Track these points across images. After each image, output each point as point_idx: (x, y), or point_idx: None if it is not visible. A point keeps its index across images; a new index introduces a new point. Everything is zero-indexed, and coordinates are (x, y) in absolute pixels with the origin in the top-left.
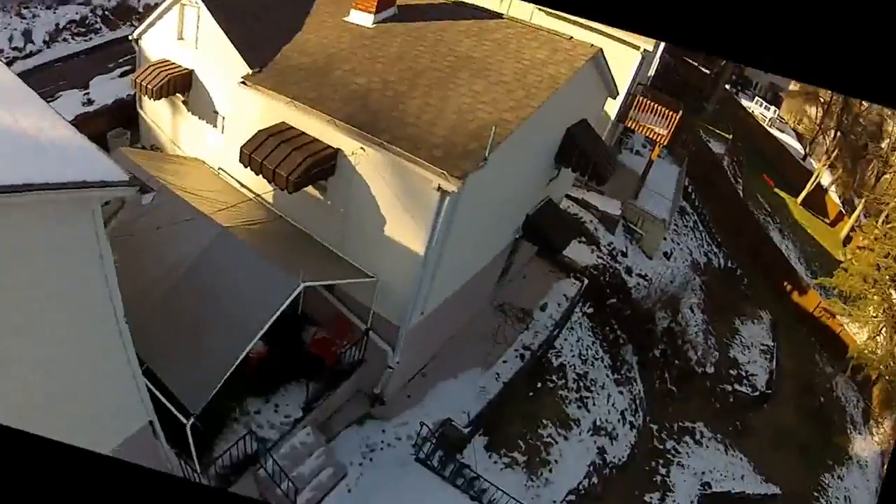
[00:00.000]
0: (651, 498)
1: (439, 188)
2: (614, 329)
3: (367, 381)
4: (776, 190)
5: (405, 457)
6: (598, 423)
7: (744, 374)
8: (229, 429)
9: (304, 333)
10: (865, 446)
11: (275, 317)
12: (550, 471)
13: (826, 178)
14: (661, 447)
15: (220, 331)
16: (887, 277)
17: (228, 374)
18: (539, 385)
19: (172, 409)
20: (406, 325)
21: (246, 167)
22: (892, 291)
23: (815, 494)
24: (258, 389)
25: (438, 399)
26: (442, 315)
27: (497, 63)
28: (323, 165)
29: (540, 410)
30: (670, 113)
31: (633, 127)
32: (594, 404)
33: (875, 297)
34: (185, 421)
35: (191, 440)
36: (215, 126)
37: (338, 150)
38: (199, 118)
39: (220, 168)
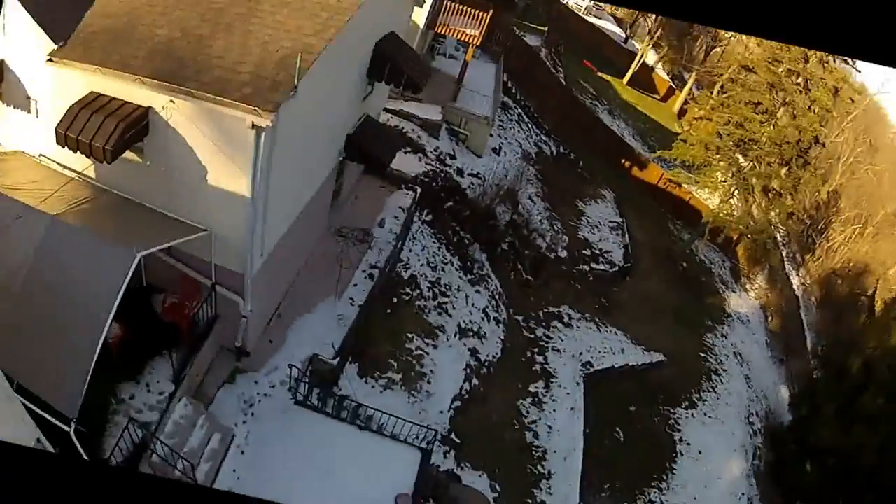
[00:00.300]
0: (536, 388)
1: (253, 125)
2: (457, 231)
3: (226, 337)
4: (600, 74)
5: (285, 403)
6: (462, 325)
7: (598, 252)
8: (111, 422)
9: (155, 303)
10: (742, 303)
11: (120, 294)
12: (429, 382)
13: (651, 58)
14: (532, 336)
15: (73, 324)
16: (731, 143)
17: (93, 365)
18: (395, 301)
19: (52, 419)
20: (250, 271)
21: (63, 147)
22: (738, 156)
23: (702, 355)
24: (126, 373)
25: (300, 337)
26: (283, 252)
27: None
28: (135, 127)
29: (402, 325)
30: (480, 13)
31: (444, 32)
32: (454, 308)
33: (721, 164)
34: (67, 428)
35: (79, 446)
36: (30, 112)
37: (148, 108)
38: (14, 107)
39: (41, 155)
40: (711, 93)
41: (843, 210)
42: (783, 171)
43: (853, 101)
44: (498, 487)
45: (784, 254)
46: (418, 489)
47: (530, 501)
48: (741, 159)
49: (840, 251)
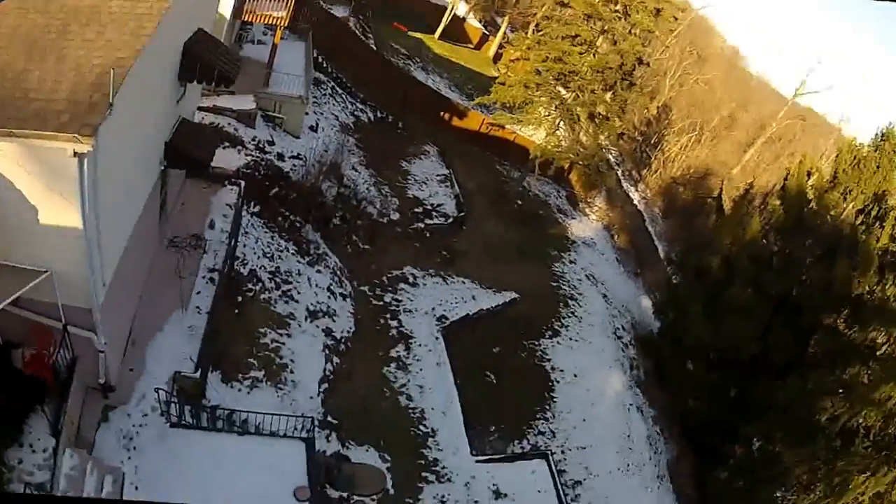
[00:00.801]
0: (397, 352)
1: (75, 153)
2: (287, 216)
3: (89, 376)
4: (411, 33)
5: (161, 428)
6: (311, 308)
7: (430, 207)
8: (9, 491)
9: (14, 359)
10: (585, 227)
11: None
12: (292, 372)
13: (462, 9)
14: (381, 303)
15: None
16: (551, 78)
17: None
18: (240, 299)
19: None
20: (96, 304)
21: None
22: (560, 89)
23: (554, 284)
24: (6, 439)
25: (158, 357)
26: (124, 276)
27: (104, 2)
28: None
29: (253, 322)
30: None
31: (250, 19)
32: (299, 293)
33: (543, 98)
34: None
35: None
36: None
37: None
38: None
39: None
40: (526, 33)
41: (675, 122)
42: (608, 95)
43: (676, 18)
44: (388, 457)
45: (620, 173)
46: (312, 479)
47: (422, 462)
48: (563, 92)
49: (678, 160)
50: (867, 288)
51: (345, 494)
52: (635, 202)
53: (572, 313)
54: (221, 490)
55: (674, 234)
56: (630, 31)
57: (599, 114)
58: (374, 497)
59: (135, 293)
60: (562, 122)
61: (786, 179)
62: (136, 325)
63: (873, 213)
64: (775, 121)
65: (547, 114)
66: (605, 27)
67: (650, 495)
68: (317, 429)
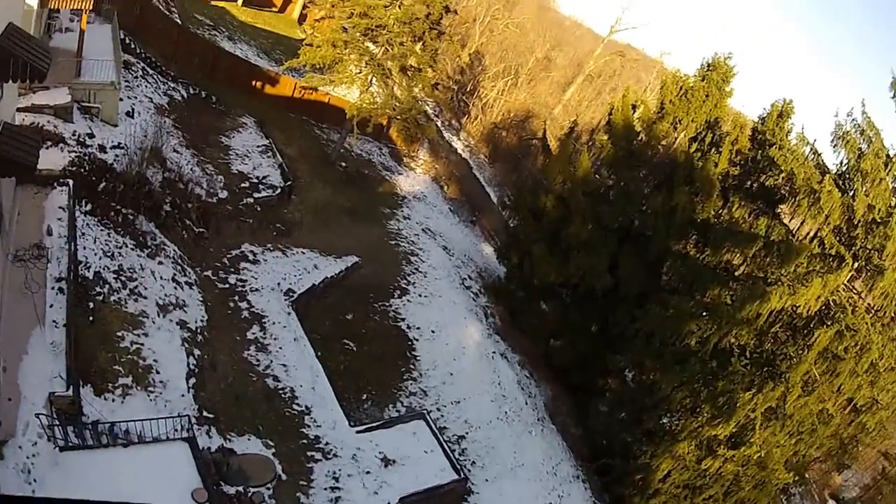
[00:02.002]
0: (254, 334)
1: None
2: (119, 211)
3: None
4: (213, 2)
5: (52, 455)
6: (160, 302)
7: (256, 180)
8: None
9: None
10: (412, 181)
11: None
12: (157, 372)
13: None
14: (227, 286)
15: None
16: (358, 34)
17: None
18: (91, 305)
19: None
20: None
21: None
22: (369, 44)
23: (392, 243)
24: None
25: (31, 381)
26: None
27: None
28: None
29: (109, 327)
30: None
31: (57, 6)
32: (145, 288)
33: (353, 56)
34: None
35: None
36: None
37: None
38: None
39: None
40: None
41: (489, 67)
42: (417, 47)
43: None
44: (270, 442)
45: (439, 123)
46: (204, 478)
47: (305, 441)
48: (372, 47)
49: (497, 105)
50: (713, 212)
51: (240, 488)
52: (459, 151)
53: (416, 269)
54: None
55: (503, 177)
56: None
57: (411, 66)
58: (269, 485)
59: None
60: (374, 79)
61: (611, 114)
62: (1, 351)
63: (707, 140)
64: (592, 58)
65: (358, 71)
66: None
67: (535, 438)
68: (195, 426)
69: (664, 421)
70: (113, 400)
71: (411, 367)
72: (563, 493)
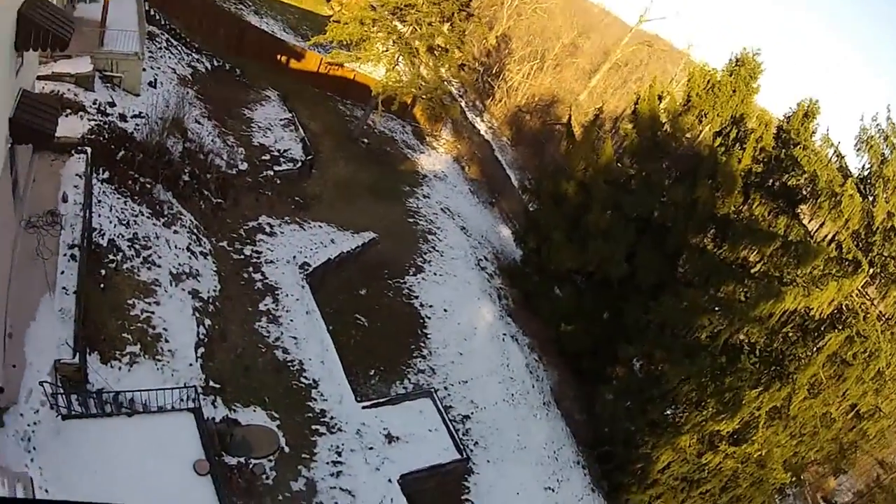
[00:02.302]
0: (266, 305)
1: None
2: (136, 179)
3: None
4: None
5: (55, 423)
6: (173, 271)
7: (277, 153)
8: None
9: None
10: (434, 160)
11: None
12: (167, 341)
13: None
14: (242, 257)
15: None
16: (386, 12)
17: None
18: (104, 273)
19: None
20: None
21: None
22: (397, 23)
23: (411, 221)
24: None
25: (37, 348)
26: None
27: None
28: None
29: (120, 295)
30: None
31: None
32: (160, 257)
33: (380, 34)
34: None
35: None
36: None
37: None
38: None
39: None
40: None
41: (515, 51)
42: (446, 27)
43: None
44: (276, 414)
45: (464, 104)
46: (207, 450)
47: (310, 415)
48: (400, 26)
49: (521, 89)
50: (733, 208)
51: (242, 459)
52: (482, 132)
53: (433, 248)
54: (124, 476)
55: (525, 161)
56: None
57: (438, 46)
58: (271, 457)
59: (2, 284)
60: (401, 57)
61: (636, 104)
62: (8, 318)
63: (732, 135)
64: (619, 47)
65: (385, 49)
66: None
67: (539, 422)
68: (201, 396)
69: (668, 413)
70: (120, 368)
71: (421, 344)
72: (563, 477)
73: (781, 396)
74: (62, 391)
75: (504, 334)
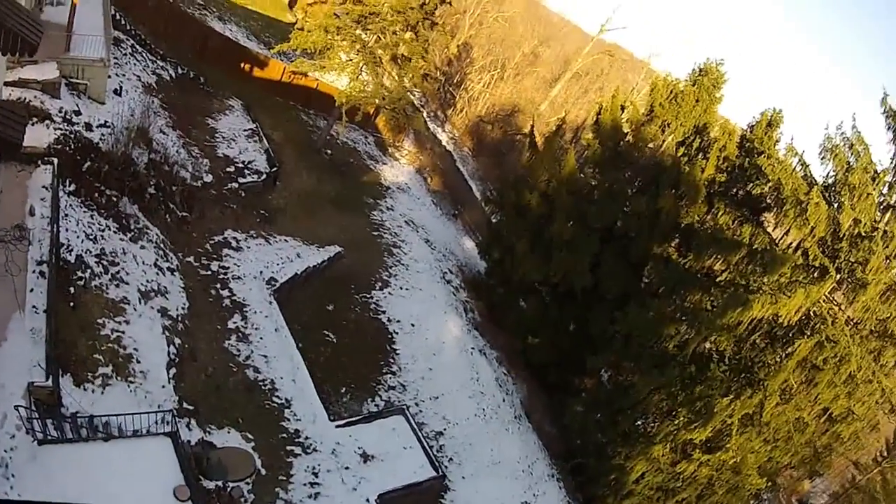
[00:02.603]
0: (235, 323)
1: None
2: (102, 192)
3: None
4: None
5: (30, 448)
6: (141, 289)
7: (242, 165)
8: None
9: None
10: (397, 172)
11: None
12: (138, 362)
13: None
14: (209, 272)
15: None
16: (350, 21)
17: None
18: (73, 290)
19: None
20: None
21: None
22: (360, 32)
23: (375, 234)
24: None
25: (8, 370)
26: None
27: None
28: None
29: (90, 314)
30: None
31: None
32: (127, 273)
33: (344, 43)
34: None
35: None
36: None
37: None
38: None
39: None
40: None
41: (476, 60)
42: (409, 35)
43: None
44: (250, 436)
45: (425, 114)
46: (185, 474)
47: (284, 435)
48: (364, 35)
49: (482, 98)
50: (697, 217)
51: (220, 483)
52: (444, 143)
53: (398, 262)
54: (103, 502)
55: (486, 172)
56: None
57: (402, 55)
58: (248, 480)
59: None
60: (364, 67)
61: (599, 114)
62: None
63: (695, 144)
64: (581, 56)
65: (349, 59)
66: None
67: (512, 436)
68: (176, 419)
69: (639, 423)
70: (93, 391)
71: (391, 360)
72: (539, 491)
73: (753, 403)
74: (37, 416)
75: (472, 348)
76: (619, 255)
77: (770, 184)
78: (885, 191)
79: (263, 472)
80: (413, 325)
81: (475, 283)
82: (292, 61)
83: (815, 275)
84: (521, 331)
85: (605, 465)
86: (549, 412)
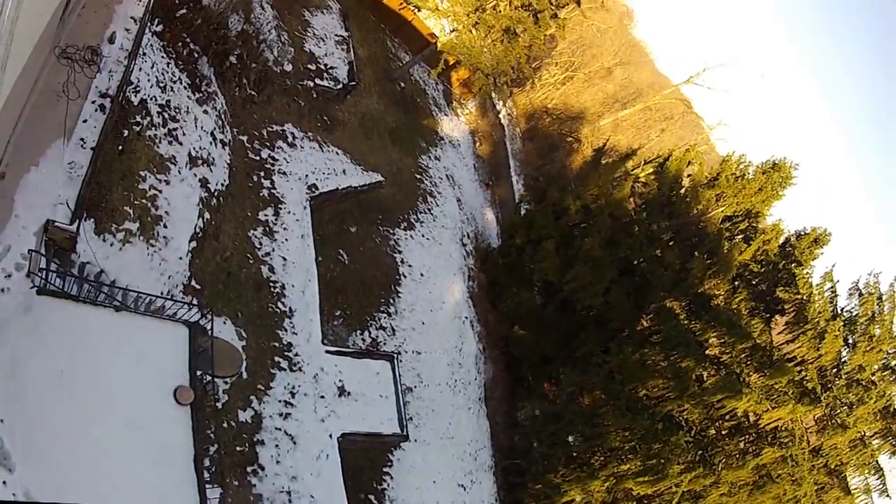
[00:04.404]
0: (266, 215)
1: None
2: (187, 43)
3: None
4: None
5: (27, 296)
6: (192, 153)
7: (323, 67)
8: None
9: None
10: (454, 127)
11: None
12: (165, 226)
13: None
14: (258, 158)
15: None
16: None
17: None
18: (126, 133)
19: None
20: None
21: None
22: None
23: (418, 177)
24: None
25: (29, 199)
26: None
27: None
28: None
29: (135, 163)
30: None
31: None
32: (184, 134)
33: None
34: None
35: None
36: None
37: None
38: None
39: None
40: None
41: (558, 54)
42: (529, 17)
43: None
44: (244, 334)
45: (493, 83)
46: (192, 376)
47: (276, 345)
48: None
49: (546, 89)
50: (718, 292)
51: (200, 372)
52: (501, 116)
53: (429, 210)
54: (90, 381)
55: (527, 157)
56: None
57: (515, 31)
58: (228, 379)
59: (14, 113)
60: (476, 26)
61: (667, 159)
62: (7, 155)
63: (741, 226)
64: (661, 95)
65: (467, 13)
66: None
67: (471, 416)
68: (181, 294)
69: (588, 454)
70: (112, 244)
71: (391, 301)
72: (476, 479)
73: (703, 484)
74: (56, 264)
75: (465, 317)
76: (633, 292)
77: (798, 296)
78: (891, 351)
79: (245, 375)
80: (422, 274)
81: (484, 254)
82: None
83: (805, 396)
84: (511, 318)
85: (541, 477)
86: (505, 404)
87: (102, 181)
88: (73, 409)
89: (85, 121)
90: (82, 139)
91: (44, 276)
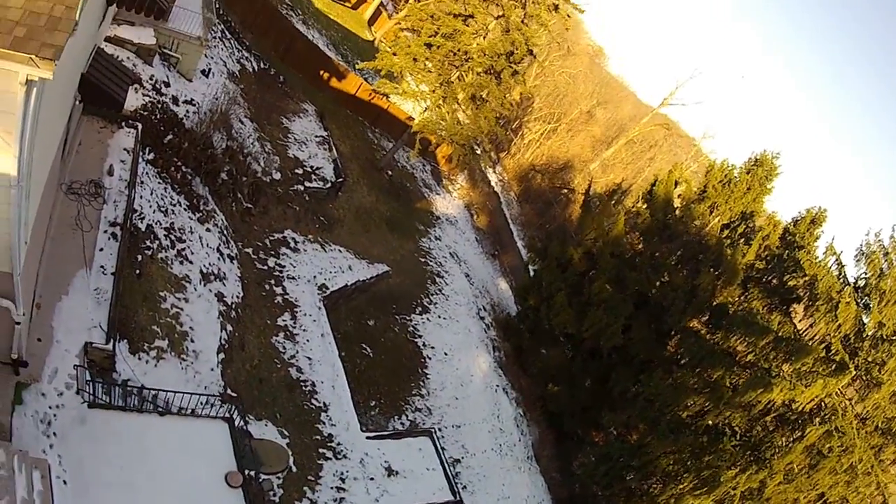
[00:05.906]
0: (284, 321)
1: (27, 80)
2: (179, 167)
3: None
4: None
5: (79, 409)
6: (203, 270)
7: (310, 169)
8: None
9: None
10: (448, 204)
11: None
12: (192, 341)
13: None
14: (266, 267)
15: None
16: (440, 55)
17: None
18: (140, 258)
19: None
20: (18, 267)
21: None
22: (451, 66)
23: (422, 260)
24: None
25: (66, 325)
26: (36, 231)
27: None
28: None
29: (154, 285)
30: None
31: None
32: (192, 253)
33: (431, 75)
34: None
35: None
36: None
37: None
38: None
39: None
40: None
41: (535, 109)
42: (491, 80)
43: (569, 16)
44: (286, 432)
45: (480, 153)
46: (239, 461)
47: (318, 437)
48: (453, 71)
49: (534, 147)
50: (731, 298)
51: (252, 473)
52: (493, 184)
53: (439, 290)
54: (150, 479)
55: (528, 218)
56: (522, 21)
57: (481, 97)
58: (280, 475)
59: (38, 248)
60: (443, 101)
61: (653, 185)
62: (39, 286)
63: (739, 230)
64: (639, 125)
65: (432, 90)
66: (502, 13)
67: (523, 475)
68: (219, 403)
69: (644, 484)
70: (147, 362)
71: (421, 383)
72: None
73: (758, 479)
74: (97, 379)
75: (497, 386)
76: (651, 321)
77: (806, 278)
78: None
79: (294, 469)
80: (446, 353)
81: (505, 324)
82: (371, 81)
83: (834, 368)
84: (543, 377)
85: None
86: (557, 458)
87: (127, 304)
88: (137, 496)
89: (101, 249)
90: (102, 266)
91: (91, 391)
